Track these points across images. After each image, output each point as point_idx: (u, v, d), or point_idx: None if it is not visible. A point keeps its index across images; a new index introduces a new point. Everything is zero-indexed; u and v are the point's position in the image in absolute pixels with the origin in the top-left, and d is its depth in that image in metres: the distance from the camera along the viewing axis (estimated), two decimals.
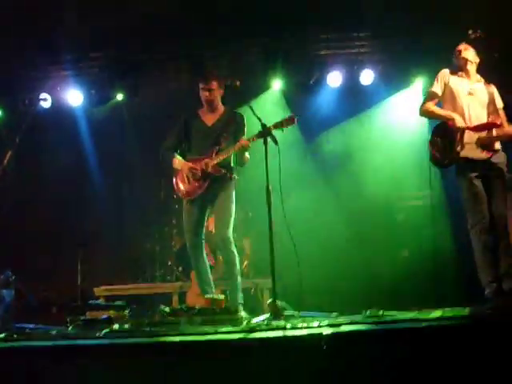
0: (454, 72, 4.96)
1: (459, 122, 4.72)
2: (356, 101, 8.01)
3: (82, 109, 8.36)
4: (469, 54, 4.89)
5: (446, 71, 4.97)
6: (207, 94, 5.17)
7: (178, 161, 5.24)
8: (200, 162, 5.09)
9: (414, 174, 7.43)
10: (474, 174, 4.68)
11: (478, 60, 4.93)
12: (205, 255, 5.27)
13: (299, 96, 8.04)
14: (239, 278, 5.10)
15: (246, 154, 5.09)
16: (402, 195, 7.50)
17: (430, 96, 5.00)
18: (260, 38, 7.58)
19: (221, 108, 5.29)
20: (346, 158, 7.80)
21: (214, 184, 5.09)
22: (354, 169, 7.70)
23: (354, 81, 7.82)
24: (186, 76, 7.95)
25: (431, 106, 4.96)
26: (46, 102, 8.04)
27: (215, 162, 5.04)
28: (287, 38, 7.53)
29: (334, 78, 7.80)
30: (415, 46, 7.32)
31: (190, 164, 5.14)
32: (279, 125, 4.74)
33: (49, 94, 8.03)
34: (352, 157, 7.77)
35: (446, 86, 4.91)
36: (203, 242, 5.26)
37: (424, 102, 5.03)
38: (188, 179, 5.13)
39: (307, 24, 7.26)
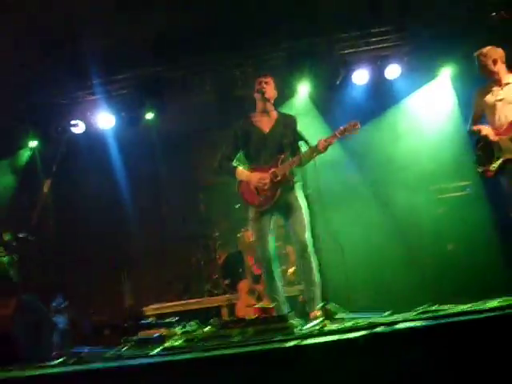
0: (484, 86, 5.20)
1: (484, 131, 5.00)
2: (385, 96, 7.95)
3: (114, 131, 8.46)
4: (488, 59, 5.07)
5: (477, 90, 5.26)
6: (264, 86, 5.15)
7: (242, 171, 5.17)
8: (266, 171, 5.01)
9: (451, 165, 7.33)
10: None
11: (499, 54, 5.07)
12: (277, 264, 5.15)
13: (327, 98, 8.02)
14: (318, 287, 4.95)
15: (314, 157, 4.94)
16: (441, 188, 7.39)
17: (471, 117, 5.31)
18: (283, 43, 7.59)
19: (274, 112, 5.24)
20: (382, 154, 7.73)
21: (284, 193, 5.01)
22: (392, 163, 7.61)
23: (381, 76, 7.77)
24: (211, 89, 7.98)
25: (473, 127, 5.23)
26: (77, 127, 8.17)
27: (284, 171, 4.96)
28: (310, 39, 7.51)
29: (360, 76, 7.78)
30: (439, 35, 7.23)
31: (258, 175, 5.04)
32: (344, 131, 4.79)
33: (80, 119, 8.17)
34: (389, 152, 7.70)
35: (480, 103, 5.18)
36: (274, 251, 5.14)
37: (469, 124, 5.32)
38: (258, 190, 5.03)
39: (328, 24, 7.24)
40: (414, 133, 7.80)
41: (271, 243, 5.11)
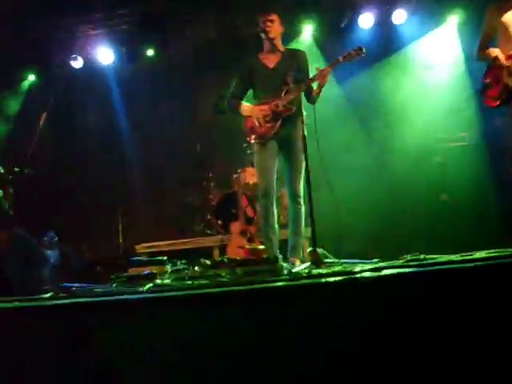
0: (500, 4, 4.66)
1: (492, 52, 4.56)
2: (390, 41, 7.84)
3: (114, 67, 8.37)
4: None
5: (491, 6, 4.72)
6: (269, 25, 5.03)
7: (246, 107, 5.15)
8: (270, 103, 4.98)
9: (451, 115, 7.27)
10: None
11: None
12: (274, 204, 5.12)
13: (331, 40, 7.88)
14: (302, 236, 4.99)
15: (321, 89, 4.88)
16: (439, 137, 7.32)
17: (480, 39, 4.82)
18: None
19: (281, 48, 5.14)
20: (382, 101, 7.65)
21: (286, 125, 4.96)
22: (391, 111, 7.57)
23: (387, 21, 7.65)
24: (213, 26, 7.84)
25: (482, 50, 4.76)
26: (77, 61, 8.08)
27: (286, 101, 4.91)
28: None
29: (366, 20, 7.66)
30: None
31: (260, 107, 5.03)
32: (348, 56, 4.70)
33: (79, 54, 8.06)
34: (387, 99, 7.64)
35: (496, 22, 4.65)
36: (275, 189, 5.11)
37: (477, 47, 4.84)
38: (259, 122, 5.02)
39: None
40: (416, 80, 7.72)
41: (273, 179, 5.06)
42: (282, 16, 5.21)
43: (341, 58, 4.73)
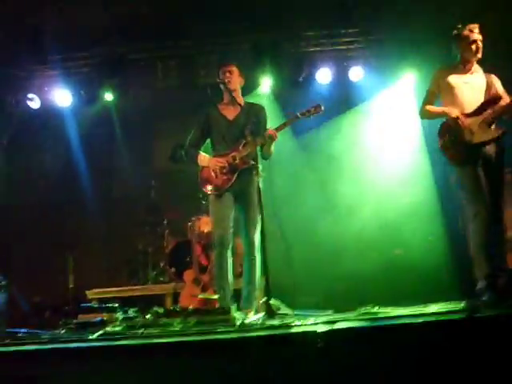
0: (449, 66, 4.88)
1: (453, 112, 4.65)
2: (347, 97, 7.99)
3: (72, 109, 8.28)
4: (479, 35, 4.72)
5: (440, 68, 4.93)
6: (228, 76, 5.13)
7: (203, 157, 5.17)
8: (227, 155, 5.03)
9: (406, 170, 7.41)
10: (480, 162, 4.55)
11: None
12: (230, 253, 5.09)
13: (289, 93, 8.00)
14: (256, 287, 4.98)
15: (272, 147, 4.99)
16: (393, 192, 7.46)
17: (425, 97, 4.97)
18: (248, 35, 7.53)
19: (241, 101, 5.22)
20: (337, 156, 7.76)
21: (242, 177, 5.00)
22: (346, 166, 7.66)
23: (344, 77, 7.80)
24: (174, 75, 7.89)
25: (427, 106, 4.92)
26: (33, 102, 7.99)
27: (243, 154, 4.96)
28: (275, 34, 7.49)
29: (324, 75, 7.80)
30: (404, 41, 7.30)
31: (218, 158, 5.07)
32: (306, 113, 4.82)
33: (36, 94, 7.98)
34: (344, 154, 7.74)
35: (442, 82, 4.83)
36: (230, 238, 5.08)
37: (422, 103, 4.99)
38: (215, 174, 5.04)
39: (295, 21, 7.24)
40: (373, 135, 7.85)
41: (229, 229, 5.04)
42: (241, 68, 5.30)
43: (299, 115, 4.86)
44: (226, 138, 5.13)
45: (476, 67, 4.86)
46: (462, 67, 4.83)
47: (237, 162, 4.98)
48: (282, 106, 7.82)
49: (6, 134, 7.42)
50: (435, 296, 4.13)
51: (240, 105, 5.17)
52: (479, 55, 4.77)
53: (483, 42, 4.76)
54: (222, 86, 5.19)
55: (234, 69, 5.21)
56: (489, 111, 4.61)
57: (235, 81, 5.19)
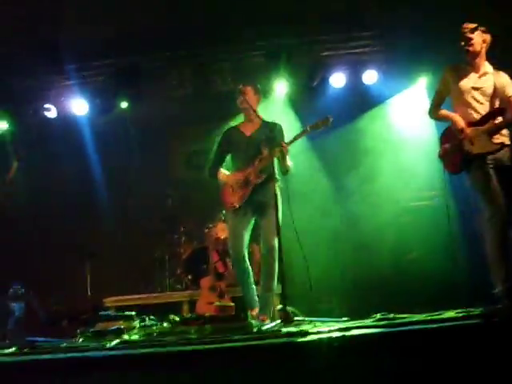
0: (458, 67, 4.80)
1: (460, 124, 4.62)
2: (361, 101, 7.98)
3: (88, 118, 8.36)
4: (479, 36, 4.66)
5: (448, 68, 4.84)
6: (242, 99, 5.28)
7: (222, 174, 5.42)
8: (244, 171, 5.22)
9: (421, 173, 7.37)
10: (490, 165, 4.49)
11: (488, 38, 4.69)
12: (247, 262, 5.25)
13: (303, 98, 8.02)
14: (273, 293, 5.12)
15: (288, 161, 5.11)
16: (410, 196, 7.43)
17: (434, 97, 4.95)
18: (261, 40, 7.55)
19: (259, 118, 5.32)
20: (353, 160, 7.76)
21: (258, 190, 5.16)
22: (361, 170, 7.66)
23: (358, 81, 7.81)
24: (188, 84, 7.92)
25: (436, 109, 4.89)
26: (50, 112, 8.07)
27: (258, 168, 5.14)
28: (289, 39, 7.50)
29: (337, 79, 7.81)
30: (418, 44, 7.25)
31: (235, 174, 5.30)
32: (315, 126, 4.90)
33: (53, 104, 8.07)
34: (359, 158, 7.75)
35: (451, 84, 4.76)
36: (245, 251, 5.24)
37: (430, 105, 4.97)
38: (233, 189, 5.24)
39: (308, 25, 7.24)
40: (388, 139, 7.82)
41: (244, 244, 5.21)
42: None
43: (308, 128, 4.95)
44: (245, 153, 5.31)
45: (486, 67, 4.75)
46: (470, 67, 4.74)
47: (252, 177, 5.15)
48: (296, 111, 7.84)
49: (24, 144, 7.49)
50: (450, 302, 4.09)
51: (258, 121, 5.31)
52: (472, 55, 4.68)
53: (493, 40, 4.70)
54: (239, 106, 5.39)
55: (249, 89, 5.39)
56: (492, 122, 4.56)
57: (249, 100, 5.31)
